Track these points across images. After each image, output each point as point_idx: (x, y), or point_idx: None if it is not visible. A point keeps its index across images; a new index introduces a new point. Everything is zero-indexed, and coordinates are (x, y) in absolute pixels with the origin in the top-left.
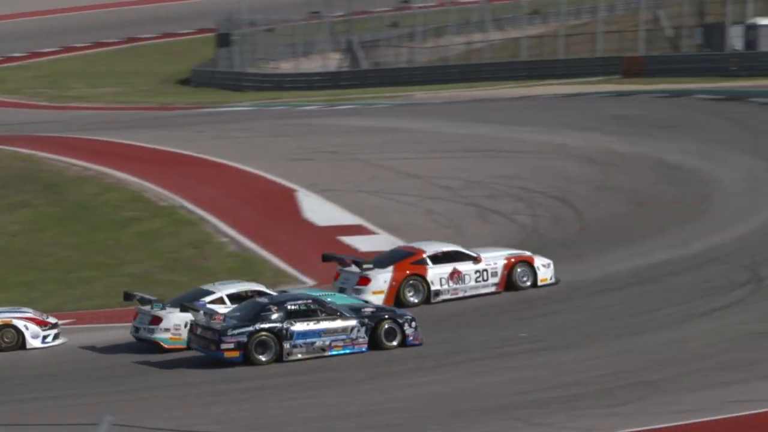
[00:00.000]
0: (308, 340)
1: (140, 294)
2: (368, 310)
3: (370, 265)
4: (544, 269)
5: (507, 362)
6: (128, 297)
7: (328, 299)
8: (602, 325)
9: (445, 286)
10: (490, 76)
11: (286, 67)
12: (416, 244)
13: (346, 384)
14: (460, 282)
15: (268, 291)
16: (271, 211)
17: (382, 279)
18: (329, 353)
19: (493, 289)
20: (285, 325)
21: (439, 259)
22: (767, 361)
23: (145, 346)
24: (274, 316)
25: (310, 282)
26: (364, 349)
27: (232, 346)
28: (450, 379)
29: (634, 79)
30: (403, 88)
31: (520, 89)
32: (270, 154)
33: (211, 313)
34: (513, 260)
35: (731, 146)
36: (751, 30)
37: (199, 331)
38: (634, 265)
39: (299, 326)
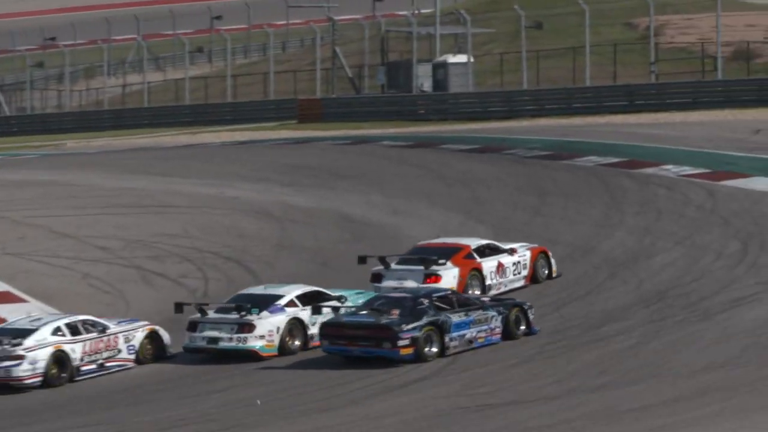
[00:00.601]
0: (461, 332)
1: (193, 302)
2: (485, 299)
3: (444, 261)
4: (554, 261)
5: None
6: (179, 308)
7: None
8: (286, 401)
9: (495, 280)
10: (150, 122)
11: None
12: (450, 240)
13: None
14: (503, 275)
15: (326, 291)
16: None
17: (451, 275)
18: (475, 345)
19: (522, 282)
20: (444, 318)
21: (483, 252)
22: None
23: (201, 357)
24: (430, 310)
25: None
26: (498, 340)
27: (407, 342)
28: None
29: (312, 124)
30: (52, 137)
31: (184, 136)
32: None
33: (382, 309)
34: (536, 251)
35: (422, 198)
36: (440, 69)
37: (348, 331)
38: None
39: (455, 318)
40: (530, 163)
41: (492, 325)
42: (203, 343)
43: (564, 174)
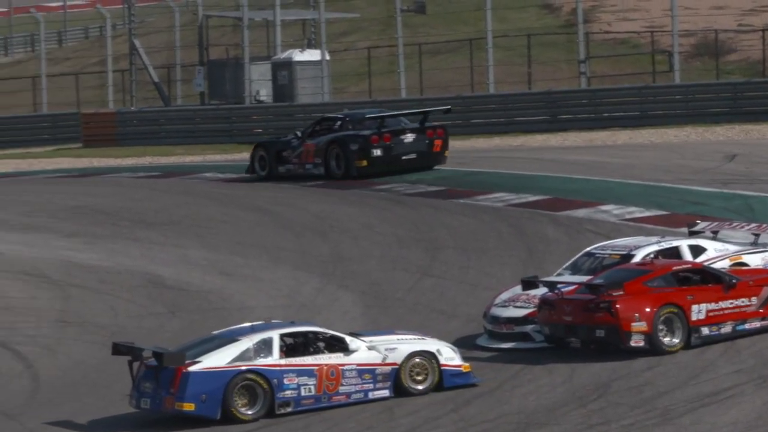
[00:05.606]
0: None
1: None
2: None
3: None
4: None
5: None
6: None
7: None
8: None
9: None
10: None
11: None
12: None
13: None
14: None
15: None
16: None
17: None
18: None
19: None
20: None
21: None
22: None
23: None
24: None
25: None
26: None
27: None
28: None
29: (103, 149)
30: None
31: None
32: None
33: None
34: None
35: (261, 253)
36: (284, 70)
37: None
38: None
39: None
40: (414, 203)
41: None
42: None
43: (462, 219)
